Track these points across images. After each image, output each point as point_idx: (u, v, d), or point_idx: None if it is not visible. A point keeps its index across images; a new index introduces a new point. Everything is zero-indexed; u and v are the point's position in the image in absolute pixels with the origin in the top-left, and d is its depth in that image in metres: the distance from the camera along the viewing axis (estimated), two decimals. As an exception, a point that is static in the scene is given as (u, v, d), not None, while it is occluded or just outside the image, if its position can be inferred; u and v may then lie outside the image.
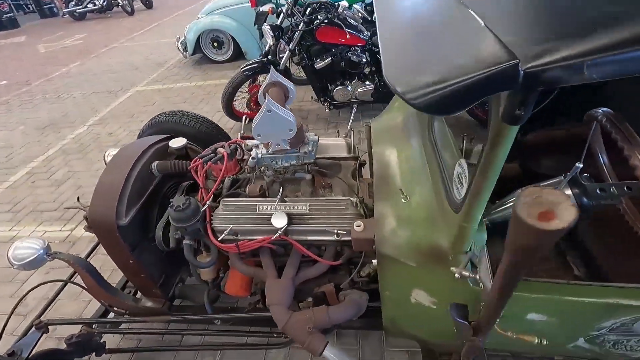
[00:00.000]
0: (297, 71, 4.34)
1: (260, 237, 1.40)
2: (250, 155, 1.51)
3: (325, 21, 3.22)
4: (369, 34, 3.51)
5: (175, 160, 1.71)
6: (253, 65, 3.53)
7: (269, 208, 1.42)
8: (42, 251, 1.56)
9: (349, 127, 1.80)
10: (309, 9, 3.23)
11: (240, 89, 3.70)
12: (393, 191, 1.30)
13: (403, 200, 1.24)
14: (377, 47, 3.43)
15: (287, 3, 3.35)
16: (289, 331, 1.30)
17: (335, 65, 3.47)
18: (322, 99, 3.78)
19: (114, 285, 1.83)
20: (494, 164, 0.73)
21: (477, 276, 0.81)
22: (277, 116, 1.27)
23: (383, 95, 3.65)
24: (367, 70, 3.60)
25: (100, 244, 1.72)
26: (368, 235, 1.24)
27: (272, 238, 1.35)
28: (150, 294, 1.77)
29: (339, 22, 3.24)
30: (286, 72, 3.64)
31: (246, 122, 1.95)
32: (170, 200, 1.40)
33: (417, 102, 0.65)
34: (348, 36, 3.26)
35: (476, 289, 0.98)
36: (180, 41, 6.11)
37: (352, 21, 3.36)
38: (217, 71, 5.89)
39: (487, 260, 0.80)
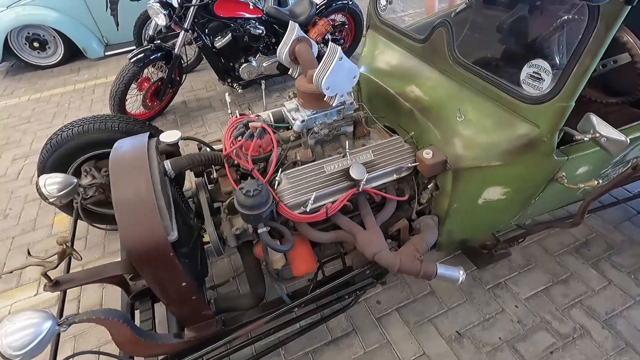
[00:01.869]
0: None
1: (341, 196, 1.35)
2: (295, 120, 1.39)
3: (222, -7, 2.98)
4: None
5: (190, 154, 1.41)
6: (141, 56, 2.98)
7: (337, 166, 1.38)
8: (49, 323, 1.11)
9: (264, 104, 1.79)
10: (198, -19, 2.91)
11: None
12: (444, 116, 1.45)
13: (458, 119, 1.41)
14: (272, 18, 3.39)
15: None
16: (404, 268, 1.35)
17: (239, 41, 3.28)
18: (228, 80, 3.53)
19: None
20: (604, 42, 0.97)
21: (601, 136, 1.06)
22: (346, 64, 1.22)
23: (287, 66, 3.66)
24: (263, 43, 3.52)
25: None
26: (441, 158, 1.38)
27: (359, 189, 1.33)
28: (200, 318, 1.47)
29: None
30: (181, 58, 3.22)
31: (229, 101, 1.73)
32: (243, 186, 1.19)
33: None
34: (251, 6, 3.11)
35: (560, 160, 1.26)
36: (-27, 46, 4.51)
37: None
38: (50, 78, 4.64)
39: (599, 121, 1.06)
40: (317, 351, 1.75)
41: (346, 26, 3.93)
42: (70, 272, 1.52)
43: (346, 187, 1.37)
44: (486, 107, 1.36)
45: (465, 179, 1.40)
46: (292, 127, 1.43)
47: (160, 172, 1.31)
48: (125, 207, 1.15)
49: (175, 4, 2.94)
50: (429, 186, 1.57)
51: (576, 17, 1.40)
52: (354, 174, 1.33)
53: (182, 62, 3.37)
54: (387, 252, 1.35)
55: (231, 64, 3.48)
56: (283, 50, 1.42)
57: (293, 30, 1.39)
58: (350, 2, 3.73)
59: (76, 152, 2.02)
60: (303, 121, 1.39)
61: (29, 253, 1.42)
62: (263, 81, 3.52)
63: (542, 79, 1.17)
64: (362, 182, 1.34)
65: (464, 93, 1.44)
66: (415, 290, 1.96)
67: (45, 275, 1.41)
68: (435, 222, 1.55)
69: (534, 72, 1.19)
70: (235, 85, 3.51)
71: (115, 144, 1.40)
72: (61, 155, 2.00)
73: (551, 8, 1.59)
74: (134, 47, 4.58)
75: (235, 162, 1.45)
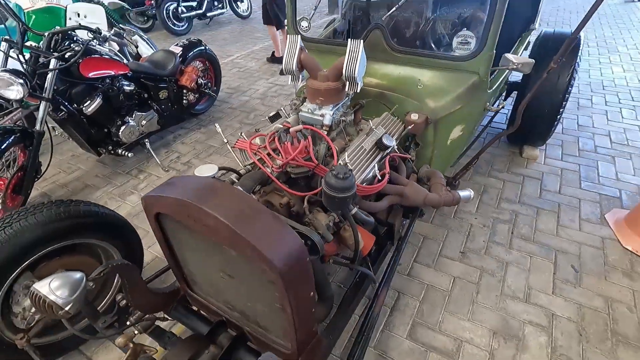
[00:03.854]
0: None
1: (382, 163, 1.59)
2: (323, 116, 1.53)
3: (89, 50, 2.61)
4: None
5: (249, 174, 1.33)
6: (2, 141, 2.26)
7: (370, 142, 1.61)
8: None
9: (159, 162, 1.87)
10: (52, 42, 2.45)
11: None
12: (408, 88, 1.90)
13: (419, 87, 1.89)
14: (141, 72, 3.19)
15: (9, 42, 2.34)
16: (445, 201, 1.69)
17: (113, 101, 2.91)
18: (108, 148, 3.04)
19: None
20: (503, 10, 1.62)
21: (519, 63, 1.69)
22: (363, 53, 1.47)
23: (167, 118, 3.47)
24: (135, 100, 3.22)
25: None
26: (424, 116, 1.82)
27: (397, 154, 1.61)
28: (310, 334, 1.38)
29: (98, 48, 2.71)
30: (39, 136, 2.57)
31: (219, 130, 1.67)
32: (337, 172, 1.26)
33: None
34: (125, 61, 2.82)
35: (490, 92, 1.89)
36: None
37: (106, 46, 2.89)
38: None
39: (513, 56, 1.70)
40: (388, 324, 1.87)
41: (207, 71, 4.01)
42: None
43: (381, 157, 1.62)
44: (434, 73, 1.89)
45: (441, 126, 1.89)
46: (321, 123, 1.56)
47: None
48: (251, 227, 1.05)
49: (22, 69, 2.38)
50: (411, 145, 1.99)
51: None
52: (387, 142, 1.59)
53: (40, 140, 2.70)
54: (431, 194, 1.67)
55: (106, 130, 3.02)
56: (292, 61, 1.54)
57: (296, 42, 1.53)
58: (206, 48, 3.85)
59: (6, 267, 1.44)
60: (333, 114, 1.55)
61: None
62: (147, 140, 3.29)
63: (469, 42, 1.77)
64: (395, 147, 1.63)
65: (412, 69, 1.93)
66: (414, 242, 2.33)
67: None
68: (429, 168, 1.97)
69: (462, 40, 1.78)
70: (120, 151, 3.05)
71: (149, 198, 1.17)
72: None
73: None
74: None
75: (279, 171, 1.46)
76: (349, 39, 1.45)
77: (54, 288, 1.14)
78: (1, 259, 1.41)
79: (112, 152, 3.06)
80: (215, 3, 8.25)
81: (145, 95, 3.29)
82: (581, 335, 1.77)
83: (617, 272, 2.06)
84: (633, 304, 1.89)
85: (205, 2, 7.87)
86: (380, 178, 1.52)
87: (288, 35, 1.59)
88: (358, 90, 1.56)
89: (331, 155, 1.56)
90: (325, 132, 1.58)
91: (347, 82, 1.53)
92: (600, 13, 7.49)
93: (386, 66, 1.99)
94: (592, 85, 4.29)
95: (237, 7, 8.67)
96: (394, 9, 1.85)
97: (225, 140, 1.66)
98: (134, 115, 3.14)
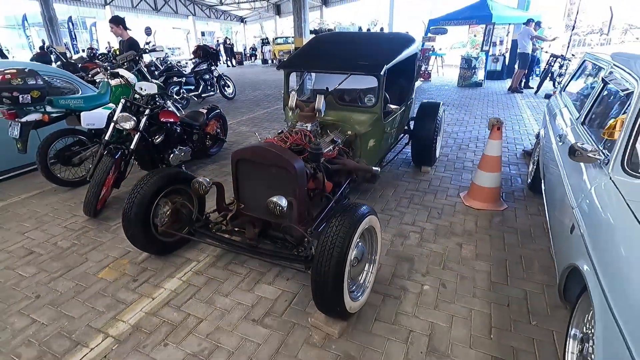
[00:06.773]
0: (64, 172, 4.63)
1: (335, 149, 3.48)
2: (308, 126, 3.42)
3: (163, 106, 4.44)
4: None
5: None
6: (116, 153, 3.90)
7: (330, 139, 3.51)
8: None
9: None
10: (146, 99, 4.28)
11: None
12: (346, 119, 3.89)
13: (352, 120, 3.90)
14: (186, 122, 5.04)
15: (126, 99, 4.15)
16: (364, 168, 3.56)
17: (170, 137, 4.68)
18: (162, 166, 4.69)
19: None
20: (383, 85, 3.74)
21: (395, 110, 3.71)
22: (324, 100, 3.42)
23: (196, 153, 5.23)
24: (179, 138, 5.01)
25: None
26: (354, 133, 3.80)
27: (342, 148, 3.51)
28: (305, 214, 3.06)
29: (169, 105, 4.56)
30: (132, 152, 4.23)
31: (258, 135, 3.49)
32: (315, 142, 3.09)
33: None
34: (183, 113, 4.65)
35: (385, 122, 3.93)
36: None
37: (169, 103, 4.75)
38: None
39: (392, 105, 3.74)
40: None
41: (221, 125, 5.93)
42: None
43: (333, 147, 3.51)
44: (358, 113, 3.91)
45: (363, 138, 3.86)
46: (307, 130, 3.43)
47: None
48: (286, 154, 2.82)
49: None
50: (349, 150, 3.92)
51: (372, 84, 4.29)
52: (336, 139, 3.50)
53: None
54: (359, 164, 3.54)
55: (161, 156, 4.72)
56: (293, 103, 3.45)
57: (294, 96, 3.47)
58: (220, 111, 5.82)
59: (156, 193, 3.05)
60: (312, 126, 3.45)
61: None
62: (183, 165, 5.01)
63: (372, 100, 3.85)
64: (340, 144, 3.53)
65: (347, 112, 3.95)
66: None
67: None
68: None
69: (368, 99, 3.86)
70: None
71: (237, 151, 2.95)
72: (145, 204, 2.98)
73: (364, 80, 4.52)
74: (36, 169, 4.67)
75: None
76: (317, 95, 3.44)
77: (202, 180, 2.81)
78: (155, 189, 3.03)
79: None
80: (209, 87, 10.60)
81: (185, 137, 5.08)
82: (435, 233, 3.56)
83: (459, 214, 3.96)
84: (463, 222, 3.75)
85: (202, 86, 10.19)
86: (332, 151, 3.39)
87: (290, 95, 3.56)
88: (322, 115, 3.51)
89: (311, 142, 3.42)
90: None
91: (317, 112, 3.48)
92: (491, 100, 10.62)
93: (335, 111, 4.00)
94: (471, 139, 6.68)
95: (225, 90, 11.07)
96: (337, 85, 3.92)
97: (259, 139, 3.49)
98: (177, 148, 4.89)
